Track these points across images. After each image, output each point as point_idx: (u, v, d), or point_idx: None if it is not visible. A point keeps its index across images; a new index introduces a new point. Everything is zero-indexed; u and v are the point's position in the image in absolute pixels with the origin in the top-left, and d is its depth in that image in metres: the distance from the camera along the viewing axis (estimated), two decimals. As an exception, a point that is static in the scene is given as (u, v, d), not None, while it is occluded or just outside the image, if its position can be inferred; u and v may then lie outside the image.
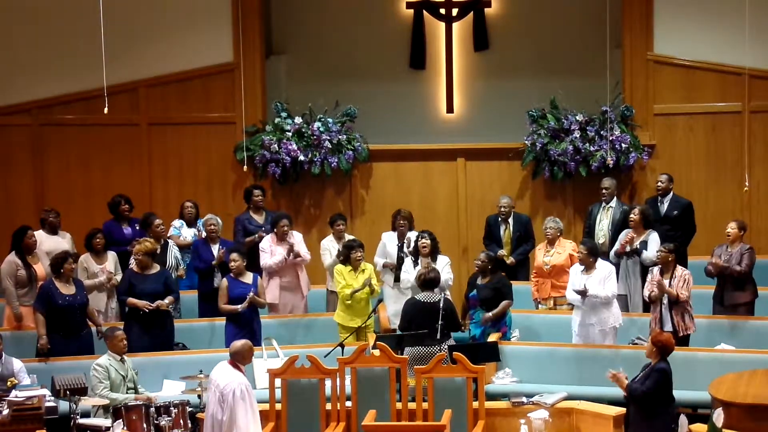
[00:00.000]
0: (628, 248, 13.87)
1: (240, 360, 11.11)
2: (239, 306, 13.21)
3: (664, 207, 14.72)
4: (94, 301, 13.65)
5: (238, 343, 11.23)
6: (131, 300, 13.16)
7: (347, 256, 13.67)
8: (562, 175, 15.87)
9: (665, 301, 12.86)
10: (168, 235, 14.56)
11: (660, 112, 15.98)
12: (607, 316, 13.09)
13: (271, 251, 14.09)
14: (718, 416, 10.18)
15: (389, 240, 14.47)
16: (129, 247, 14.26)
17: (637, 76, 15.92)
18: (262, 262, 14.08)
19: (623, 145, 15.63)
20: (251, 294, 13.25)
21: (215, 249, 14.21)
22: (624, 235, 14.00)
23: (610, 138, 15.56)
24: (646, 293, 13.14)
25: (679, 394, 11.76)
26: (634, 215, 13.95)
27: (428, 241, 13.77)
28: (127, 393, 11.83)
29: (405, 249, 14.17)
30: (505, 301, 13.36)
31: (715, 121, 15.91)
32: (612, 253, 13.98)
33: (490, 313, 13.22)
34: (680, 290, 12.78)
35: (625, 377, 11.09)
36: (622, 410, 11.33)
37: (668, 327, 12.74)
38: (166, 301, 13.23)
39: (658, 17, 15.87)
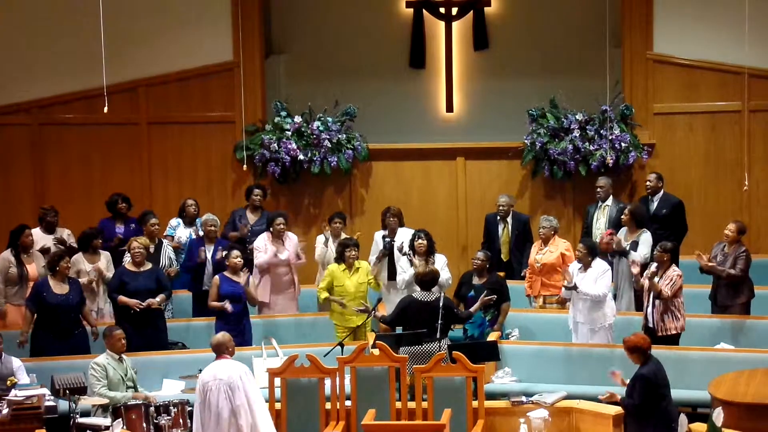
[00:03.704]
0: (614, 245, 13.89)
1: (226, 351, 11.12)
2: (227, 306, 13.19)
3: (654, 205, 14.74)
4: (92, 300, 13.64)
5: (218, 337, 11.27)
6: (122, 298, 13.14)
7: (341, 254, 13.67)
8: (562, 174, 15.88)
9: (651, 297, 12.88)
10: (163, 234, 14.55)
11: (660, 112, 15.98)
12: (598, 315, 13.09)
13: (264, 249, 14.09)
14: (718, 415, 10.18)
15: (381, 238, 14.47)
16: (113, 243, 14.25)
17: (636, 76, 15.92)
18: (256, 260, 14.07)
19: (623, 145, 15.63)
20: (227, 305, 13.26)
21: (210, 249, 14.20)
22: (603, 235, 14.05)
23: (610, 137, 15.57)
24: (634, 284, 13.23)
25: (678, 393, 11.78)
26: (625, 214, 13.99)
27: (424, 242, 13.76)
28: (126, 392, 11.81)
29: (396, 246, 14.15)
30: (505, 303, 13.38)
31: (715, 120, 15.91)
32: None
33: (475, 306, 13.12)
34: (664, 287, 12.78)
35: (617, 395, 11.13)
36: (621, 410, 11.32)
37: (652, 324, 12.76)
38: (158, 299, 13.22)
39: (658, 17, 15.87)
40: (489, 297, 13.06)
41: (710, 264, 13.37)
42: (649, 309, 12.88)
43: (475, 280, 13.50)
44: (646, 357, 11.03)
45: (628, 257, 13.83)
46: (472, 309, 12.95)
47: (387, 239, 14.32)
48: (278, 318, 14.05)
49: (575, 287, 13.00)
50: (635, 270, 13.61)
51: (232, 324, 13.15)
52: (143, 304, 13.08)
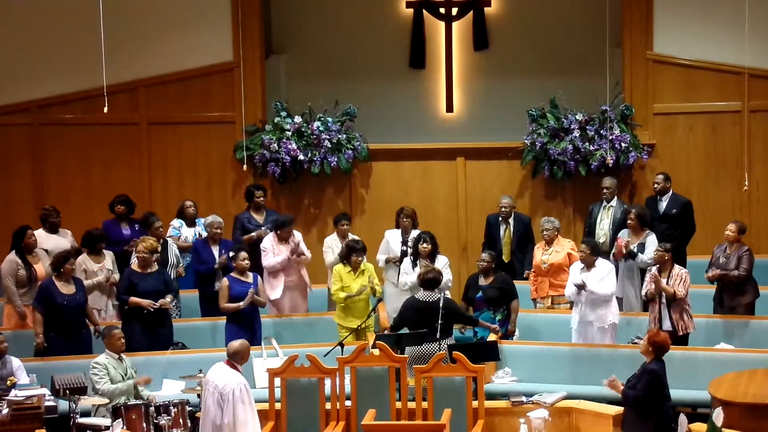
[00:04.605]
0: (624, 251, 13.87)
1: (238, 360, 11.13)
2: (241, 303, 13.21)
3: (663, 205, 14.72)
4: (94, 300, 13.64)
5: (236, 343, 11.25)
6: (135, 299, 13.16)
7: (348, 256, 13.66)
8: (562, 174, 15.87)
9: (663, 299, 12.87)
10: (168, 235, 14.56)
11: (660, 112, 15.97)
12: (605, 313, 13.11)
13: (273, 251, 14.09)
14: (718, 415, 10.19)
15: (393, 237, 14.48)
16: (127, 247, 14.27)
17: (636, 76, 15.92)
18: (265, 262, 14.07)
19: (623, 145, 15.63)
20: (252, 291, 13.26)
21: (216, 250, 14.21)
22: (618, 241, 13.99)
23: (610, 137, 15.57)
24: (644, 291, 13.18)
25: (679, 393, 11.79)
26: (631, 218, 13.97)
27: (429, 246, 13.74)
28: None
29: (408, 245, 14.17)
30: (515, 301, 13.41)
31: (715, 120, 15.91)
32: (611, 255, 13.98)
33: (482, 323, 13.17)
34: (677, 287, 12.79)
35: (620, 384, 11.10)
36: (621, 409, 11.33)
37: (667, 326, 12.75)
38: (168, 299, 13.26)
39: (658, 17, 15.87)
40: (497, 329, 13.04)
41: (717, 273, 13.34)
42: (664, 312, 12.84)
43: (481, 281, 13.51)
44: (659, 357, 11.03)
45: (636, 259, 13.81)
46: (480, 322, 12.96)
47: (404, 241, 14.32)
48: (278, 318, 14.05)
49: (583, 285, 12.99)
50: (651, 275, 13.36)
51: (243, 326, 13.15)
52: (156, 304, 13.10)
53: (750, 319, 13.37)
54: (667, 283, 12.86)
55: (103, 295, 13.80)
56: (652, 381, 10.84)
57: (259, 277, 13.73)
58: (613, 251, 13.97)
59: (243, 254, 13.53)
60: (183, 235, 14.76)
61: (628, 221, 14.01)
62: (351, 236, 14.32)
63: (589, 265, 13.19)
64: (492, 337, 13.15)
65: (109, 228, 14.68)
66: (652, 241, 13.82)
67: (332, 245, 14.45)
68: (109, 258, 13.98)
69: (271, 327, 13.80)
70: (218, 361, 11.32)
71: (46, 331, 13.03)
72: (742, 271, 13.31)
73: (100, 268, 13.82)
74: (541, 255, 14.05)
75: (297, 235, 14.33)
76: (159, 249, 13.79)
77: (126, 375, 11.91)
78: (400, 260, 14.21)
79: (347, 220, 14.61)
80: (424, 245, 13.75)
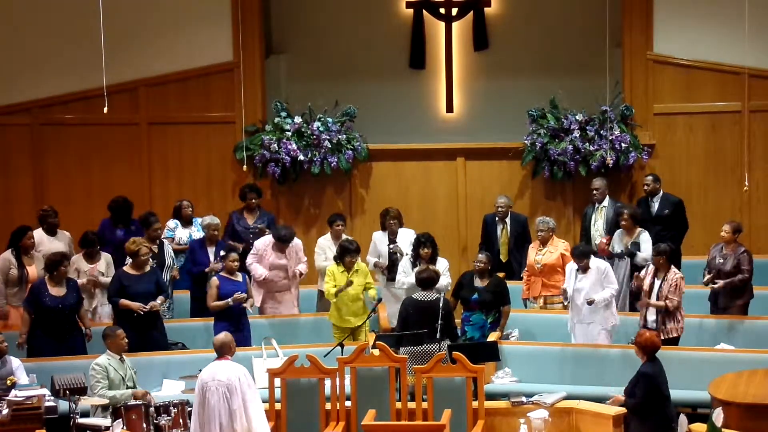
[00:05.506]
0: (607, 250, 13.91)
1: (227, 352, 11.16)
2: (229, 300, 13.22)
3: (655, 207, 14.73)
4: (89, 302, 13.65)
5: (220, 336, 11.29)
6: (124, 302, 13.13)
7: (342, 256, 13.65)
8: (562, 174, 15.87)
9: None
10: (162, 237, 14.55)
11: (660, 112, 15.97)
12: (606, 315, 13.10)
13: (261, 256, 14.07)
14: (718, 416, 10.18)
15: (380, 240, 14.47)
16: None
17: (636, 76, 15.92)
18: (248, 260, 14.09)
19: (623, 145, 15.63)
20: (238, 294, 13.27)
21: (212, 251, 14.20)
22: (601, 242, 14.04)
23: (610, 138, 15.57)
24: (633, 285, 13.23)
25: (678, 393, 11.80)
26: (624, 218, 13.97)
27: (430, 250, 13.72)
28: (125, 390, 11.82)
29: (397, 249, 14.16)
30: (506, 306, 13.39)
31: (715, 120, 15.90)
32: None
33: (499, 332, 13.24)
34: (670, 297, 12.77)
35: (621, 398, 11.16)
36: (622, 410, 11.35)
37: (654, 328, 12.76)
38: (158, 301, 13.23)
39: (658, 17, 15.87)
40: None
41: (720, 283, 13.32)
42: (650, 314, 12.86)
43: (477, 282, 13.48)
44: (651, 357, 11.03)
45: (634, 259, 13.82)
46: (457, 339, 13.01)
47: (390, 246, 14.31)
48: (278, 318, 14.05)
49: (593, 301, 12.99)
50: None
51: (231, 324, 13.15)
52: (146, 307, 13.08)
53: (746, 320, 13.38)
54: (661, 287, 12.86)
55: (92, 297, 13.77)
56: (647, 384, 10.87)
57: (247, 277, 13.75)
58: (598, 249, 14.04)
59: (233, 255, 13.56)
60: (177, 236, 14.74)
61: (622, 222, 14.04)
62: (344, 237, 14.29)
63: (584, 268, 13.18)
64: (492, 337, 13.15)
65: (104, 228, 14.66)
66: (646, 239, 13.84)
67: (325, 247, 14.40)
68: (104, 260, 13.94)
69: (268, 328, 13.79)
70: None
71: (32, 331, 13.01)
72: (745, 273, 13.31)
73: (91, 269, 13.79)
74: (534, 255, 14.06)
75: (297, 244, 14.29)
76: (155, 250, 13.82)
77: (126, 376, 11.90)
78: (389, 267, 14.19)
79: (342, 221, 14.57)
80: (426, 250, 13.72)
